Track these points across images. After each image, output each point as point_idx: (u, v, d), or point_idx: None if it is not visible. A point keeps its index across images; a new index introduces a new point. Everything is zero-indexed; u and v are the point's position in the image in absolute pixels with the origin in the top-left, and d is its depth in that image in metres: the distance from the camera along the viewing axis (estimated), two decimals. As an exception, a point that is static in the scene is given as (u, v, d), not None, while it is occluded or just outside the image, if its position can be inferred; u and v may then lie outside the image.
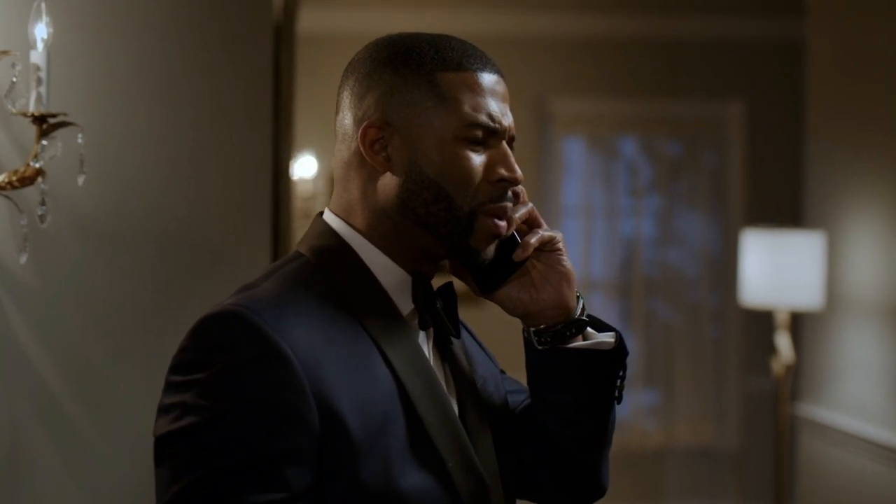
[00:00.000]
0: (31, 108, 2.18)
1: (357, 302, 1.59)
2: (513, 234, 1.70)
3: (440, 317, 1.67)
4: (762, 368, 5.77)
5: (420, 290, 1.64)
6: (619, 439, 6.75)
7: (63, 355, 2.41)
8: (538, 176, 6.91)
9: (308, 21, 6.27)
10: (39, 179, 2.17)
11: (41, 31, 2.19)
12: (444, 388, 1.64)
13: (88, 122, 2.31)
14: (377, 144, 1.61)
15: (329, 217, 1.68)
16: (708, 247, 7.15)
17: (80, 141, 2.21)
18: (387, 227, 1.63)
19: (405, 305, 1.64)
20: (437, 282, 1.68)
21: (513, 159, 1.64)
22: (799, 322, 5.37)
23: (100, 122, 2.40)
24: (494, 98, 1.63)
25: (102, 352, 2.46)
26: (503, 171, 1.62)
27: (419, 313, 1.65)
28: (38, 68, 2.16)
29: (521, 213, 1.70)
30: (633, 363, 7.00)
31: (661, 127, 7.11)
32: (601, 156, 7.15)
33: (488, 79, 1.63)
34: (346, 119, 1.66)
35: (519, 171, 1.64)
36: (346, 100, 1.66)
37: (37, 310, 2.38)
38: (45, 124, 2.16)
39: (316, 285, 1.59)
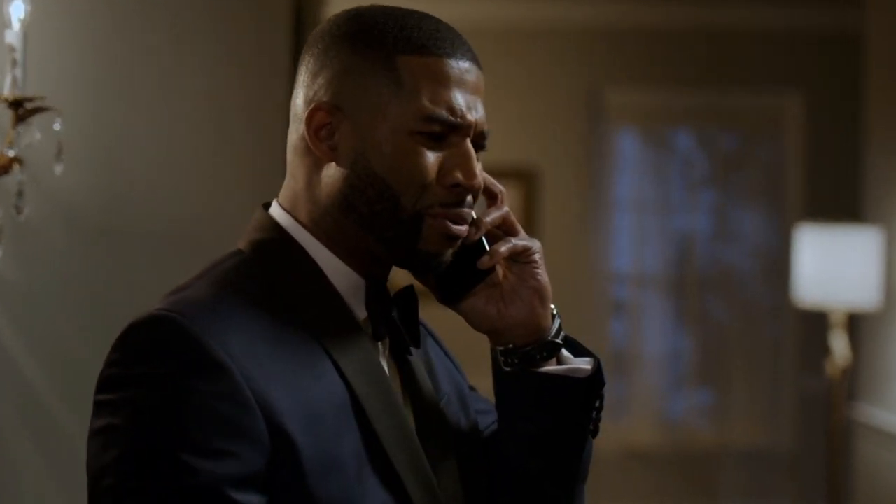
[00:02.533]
0: (6, 92, 2.06)
1: (303, 304, 1.44)
2: (481, 239, 1.53)
3: (396, 328, 1.50)
4: (818, 368, 5.62)
5: (374, 296, 1.48)
6: (671, 439, 6.77)
7: (46, 352, 2.32)
8: (589, 170, 6.79)
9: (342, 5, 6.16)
10: (17, 168, 2.06)
11: (17, 8, 2.07)
12: (401, 402, 1.48)
13: (81, 109, 2.21)
14: (324, 130, 1.45)
15: (274, 209, 1.52)
16: (764, 243, 7.00)
17: (57, 128, 2.09)
18: (329, 223, 1.47)
19: (360, 311, 1.48)
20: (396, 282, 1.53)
21: (474, 161, 1.46)
22: (856, 321, 5.21)
23: (94, 108, 2.30)
24: (461, 89, 1.46)
25: (87, 350, 2.36)
26: (458, 175, 1.45)
27: (373, 323, 1.48)
28: (12, 49, 2.05)
29: (493, 217, 1.54)
30: (686, 361, 6.90)
31: (716, 119, 6.96)
32: (654, 149, 7.01)
33: (456, 66, 1.46)
34: (298, 98, 1.49)
35: (478, 178, 1.46)
36: (301, 76, 1.49)
37: (17, 305, 2.28)
38: (20, 109, 2.04)
39: (255, 285, 1.43)
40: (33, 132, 2.08)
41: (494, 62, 6.64)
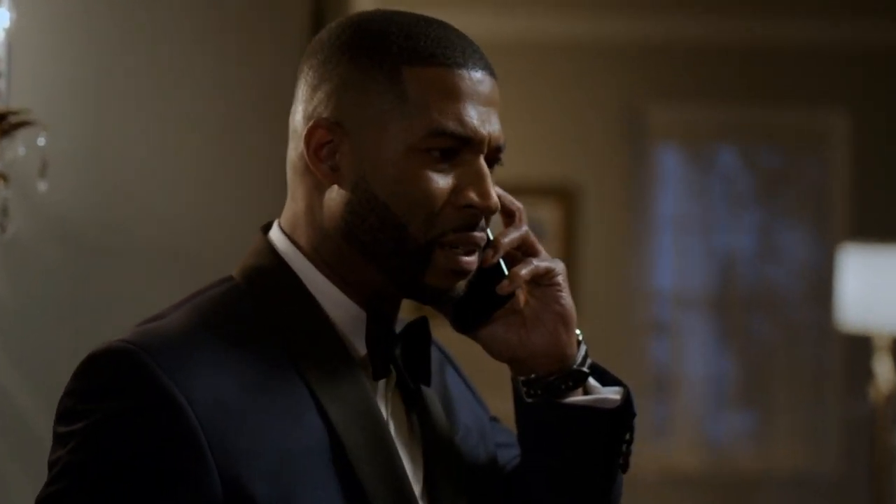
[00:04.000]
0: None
1: (294, 339, 1.33)
2: (499, 262, 1.43)
3: (399, 367, 1.39)
4: (863, 392, 5.50)
5: (374, 332, 1.36)
6: (712, 463, 6.66)
7: (35, 372, 2.23)
8: (630, 188, 6.69)
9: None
10: (1, 184, 1.97)
11: (2, 17, 1.97)
12: (397, 445, 1.36)
13: (72, 122, 2.13)
14: (324, 150, 1.35)
15: (274, 231, 1.42)
16: (808, 263, 6.87)
17: (40, 143, 2.00)
18: (330, 251, 1.37)
19: (360, 346, 1.37)
20: (409, 313, 1.43)
21: (489, 181, 1.36)
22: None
23: (86, 121, 2.21)
24: (473, 101, 1.35)
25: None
26: (473, 196, 1.34)
27: (372, 361, 1.37)
28: (-6, 59, 1.95)
29: (512, 237, 1.44)
30: (729, 383, 6.80)
31: (760, 136, 6.83)
32: (697, 166, 6.90)
33: (467, 77, 1.35)
34: (297, 114, 1.38)
35: (494, 198, 1.36)
36: (299, 90, 1.39)
37: (4, 323, 2.19)
38: (4, 123, 1.95)
39: (238, 317, 1.33)
40: (17, 147, 1.99)
41: (534, 78, 6.59)
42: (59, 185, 2.13)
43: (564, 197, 6.58)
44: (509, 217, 1.47)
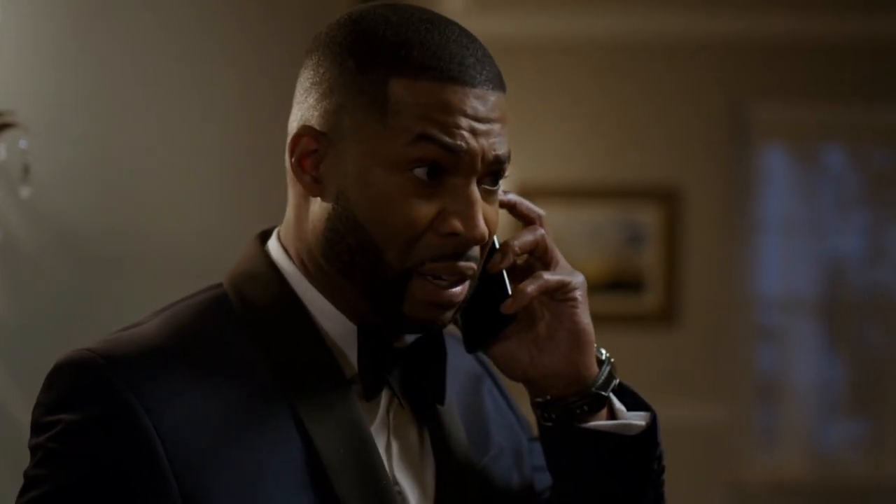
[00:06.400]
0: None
1: (280, 351, 1.24)
2: (503, 276, 1.30)
3: (392, 387, 1.27)
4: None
5: (366, 349, 1.25)
6: (821, 473, 6.50)
7: (35, 388, 2.11)
8: (734, 189, 6.54)
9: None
10: None
11: None
12: (401, 466, 1.27)
13: (68, 125, 2.01)
14: (310, 159, 1.24)
15: (272, 240, 1.32)
16: (922, 266, 6.72)
17: (22, 146, 1.88)
18: (314, 264, 1.27)
19: (356, 360, 1.27)
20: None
21: (477, 207, 1.22)
22: None
23: (83, 125, 2.09)
24: (469, 117, 1.20)
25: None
26: (457, 224, 1.21)
27: (362, 379, 1.26)
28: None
29: (523, 240, 1.31)
30: (838, 390, 6.65)
31: (868, 135, 6.65)
32: (803, 166, 6.73)
33: (462, 92, 1.20)
34: (292, 117, 1.28)
35: (482, 227, 1.22)
36: (296, 91, 1.29)
37: (3, 336, 2.08)
38: None
39: (219, 326, 1.25)
40: (0, 150, 1.88)
41: (635, 78, 6.48)
42: (58, 188, 2.04)
43: (666, 199, 6.45)
44: (526, 221, 1.36)
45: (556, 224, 7.15)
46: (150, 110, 2.23)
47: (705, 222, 6.50)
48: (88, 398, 1.17)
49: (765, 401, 6.53)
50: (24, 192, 1.94)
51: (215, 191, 2.29)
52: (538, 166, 6.28)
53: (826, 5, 6.44)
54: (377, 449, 1.25)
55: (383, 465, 1.25)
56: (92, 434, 1.15)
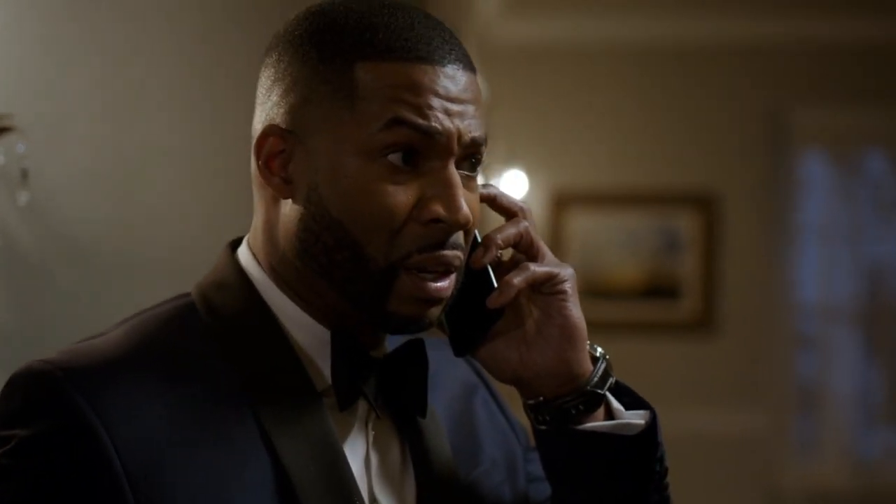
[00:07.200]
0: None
1: (247, 363, 1.19)
2: (487, 269, 1.25)
3: (368, 397, 1.22)
4: None
5: (340, 357, 1.20)
6: (860, 481, 6.43)
7: None
8: (773, 195, 6.48)
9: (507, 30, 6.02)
10: None
11: None
12: (380, 480, 1.23)
13: (81, 131, 1.99)
14: (277, 160, 1.20)
15: (242, 247, 1.28)
16: (963, 273, 6.65)
17: (20, 150, 1.85)
18: (288, 271, 1.22)
19: (329, 372, 1.22)
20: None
21: (458, 190, 1.17)
22: None
23: (100, 129, 2.07)
24: (441, 97, 1.16)
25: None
26: (439, 209, 1.16)
27: (336, 389, 1.20)
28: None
29: (507, 233, 1.25)
30: (879, 398, 6.60)
31: (911, 140, 6.61)
32: (843, 172, 6.68)
33: (433, 71, 1.16)
34: (255, 119, 1.24)
35: (465, 210, 1.17)
36: (258, 92, 1.24)
37: (7, 341, 2.05)
38: None
39: (185, 337, 1.20)
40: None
41: (672, 83, 6.44)
42: (57, 193, 2.02)
43: (705, 205, 6.41)
44: (508, 214, 1.30)
45: (592, 231, 7.05)
46: (151, 113, 2.21)
47: (743, 229, 6.45)
48: (44, 412, 1.12)
49: (803, 409, 6.48)
50: (23, 197, 1.91)
51: (217, 194, 2.26)
52: (575, 173, 6.25)
53: (866, 8, 6.38)
54: (349, 465, 1.20)
55: (355, 483, 1.20)
56: (46, 450, 1.11)
